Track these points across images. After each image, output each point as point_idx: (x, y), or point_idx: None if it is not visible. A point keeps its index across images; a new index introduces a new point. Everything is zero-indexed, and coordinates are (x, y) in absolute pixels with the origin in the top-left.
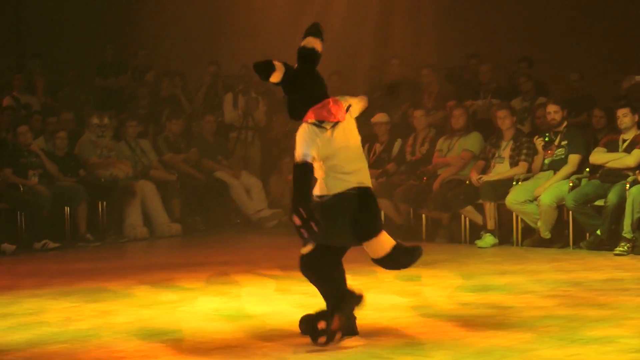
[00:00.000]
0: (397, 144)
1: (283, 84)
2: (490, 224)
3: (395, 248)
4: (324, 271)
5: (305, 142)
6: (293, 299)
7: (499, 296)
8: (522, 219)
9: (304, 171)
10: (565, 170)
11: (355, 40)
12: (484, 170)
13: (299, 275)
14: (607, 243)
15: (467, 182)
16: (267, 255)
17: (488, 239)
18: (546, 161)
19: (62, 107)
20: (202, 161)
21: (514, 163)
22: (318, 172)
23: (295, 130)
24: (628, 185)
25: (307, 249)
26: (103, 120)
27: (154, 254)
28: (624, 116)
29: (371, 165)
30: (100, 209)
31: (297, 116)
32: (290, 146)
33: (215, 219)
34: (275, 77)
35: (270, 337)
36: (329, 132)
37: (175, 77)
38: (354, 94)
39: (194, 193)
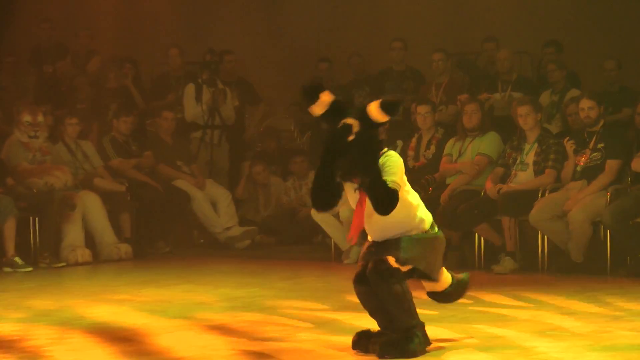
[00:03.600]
0: (397, 147)
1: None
2: (510, 245)
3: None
4: None
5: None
6: None
7: (520, 332)
8: (548, 239)
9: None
10: (601, 179)
11: (347, 20)
12: (503, 180)
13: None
14: None
15: (482, 193)
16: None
17: (507, 263)
18: (578, 168)
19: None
20: (158, 167)
21: (539, 170)
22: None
23: (273, 128)
24: None
25: None
26: (36, 117)
27: (98, 282)
28: None
29: None
30: (32, 226)
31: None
32: (267, 148)
33: (174, 238)
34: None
35: None
36: None
37: (126, 65)
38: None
39: (148, 207)
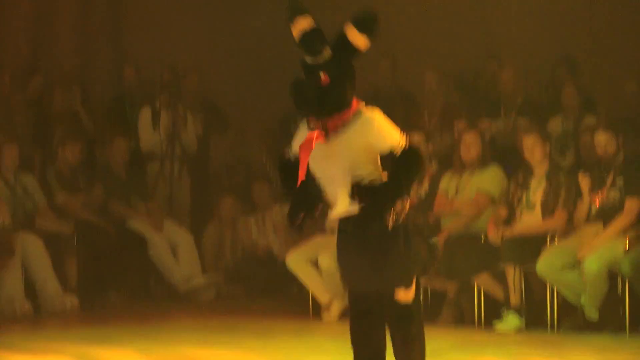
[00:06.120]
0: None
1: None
2: (515, 299)
3: None
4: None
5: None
6: None
7: None
8: (559, 292)
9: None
10: (620, 221)
11: (328, 35)
12: (507, 222)
13: None
14: None
15: (483, 238)
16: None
17: (511, 320)
18: (594, 209)
19: None
20: (110, 204)
21: (548, 211)
22: None
23: (242, 161)
24: None
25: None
26: None
27: (39, 339)
28: None
29: None
30: None
31: (345, 102)
32: (236, 184)
33: (128, 288)
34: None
35: None
36: None
37: (73, 85)
38: None
39: (98, 251)
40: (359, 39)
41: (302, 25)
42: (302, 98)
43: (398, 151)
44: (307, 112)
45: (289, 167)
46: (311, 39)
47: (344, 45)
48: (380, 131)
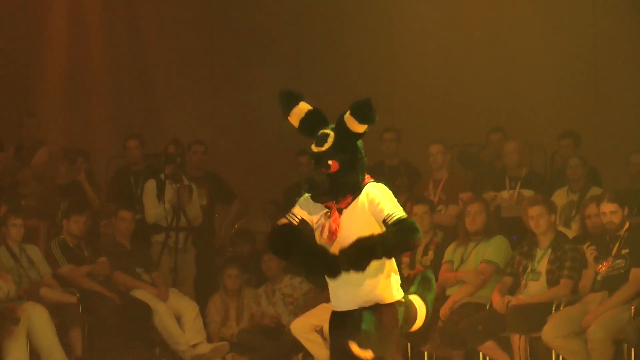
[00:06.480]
0: None
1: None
2: None
3: None
4: None
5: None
6: None
7: None
8: None
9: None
10: (625, 290)
11: (331, 108)
12: (512, 291)
13: None
14: None
15: (488, 306)
16: None
17: None
18: (599, 278)
19: None
20: (114, 275)
21: (553, 280)
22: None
23: (247, 232)
24: None
25: None
26: None
27: None
28: None
29: None
30: None
31: (358, 184)
32: (240, 253)
33: (133, 357)
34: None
35: None
36: None
37: (78, 158)
38: None
39: (103, 321)
40: (358, 128)
41: (298, 114)
42: (317, 191)
43: (390, 220)
44: (324, 201)
45: (286, 230)
46: (312, 126)
47: (345, 131)
48: (378, 200)
